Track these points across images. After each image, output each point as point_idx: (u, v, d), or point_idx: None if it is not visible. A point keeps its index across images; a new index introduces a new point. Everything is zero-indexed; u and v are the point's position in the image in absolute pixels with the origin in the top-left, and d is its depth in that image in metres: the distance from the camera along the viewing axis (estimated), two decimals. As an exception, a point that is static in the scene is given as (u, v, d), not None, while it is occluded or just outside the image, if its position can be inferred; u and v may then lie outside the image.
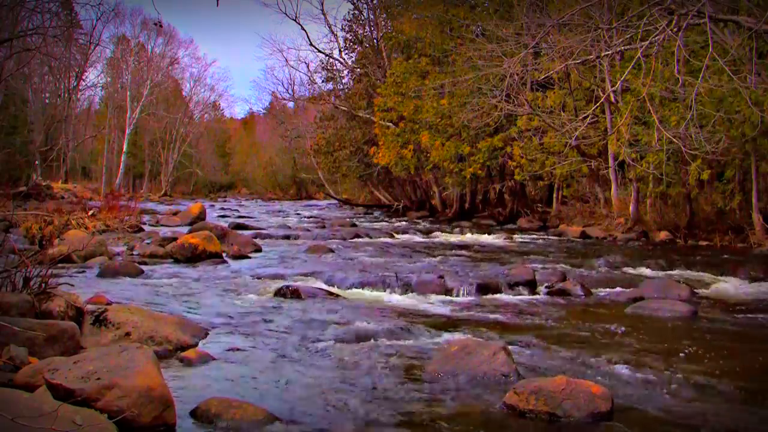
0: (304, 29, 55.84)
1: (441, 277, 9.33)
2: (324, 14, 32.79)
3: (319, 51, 33.57)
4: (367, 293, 8.92)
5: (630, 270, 11.22)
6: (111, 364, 3.88)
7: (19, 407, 3.31)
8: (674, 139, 10.21)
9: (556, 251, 14.46)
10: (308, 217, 26.51)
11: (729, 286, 9.85)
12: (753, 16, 9.34)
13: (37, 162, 36.13)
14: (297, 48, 76.20)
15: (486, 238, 17.44)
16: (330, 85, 35.30)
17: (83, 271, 9.87)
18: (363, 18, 32.56)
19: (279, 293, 8.38)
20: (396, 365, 5.37)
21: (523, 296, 8.90)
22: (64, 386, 3.72)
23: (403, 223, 24.19)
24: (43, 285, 5.78)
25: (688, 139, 11.57)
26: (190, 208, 21.90)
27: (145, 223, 19.04)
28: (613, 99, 16.92)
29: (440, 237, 18.00)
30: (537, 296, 8.95)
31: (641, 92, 11.10)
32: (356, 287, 9.16)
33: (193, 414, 4.06)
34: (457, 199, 27.29)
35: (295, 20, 32.74)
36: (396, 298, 8.61)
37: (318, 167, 37.89)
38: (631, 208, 17.85)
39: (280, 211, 32.00)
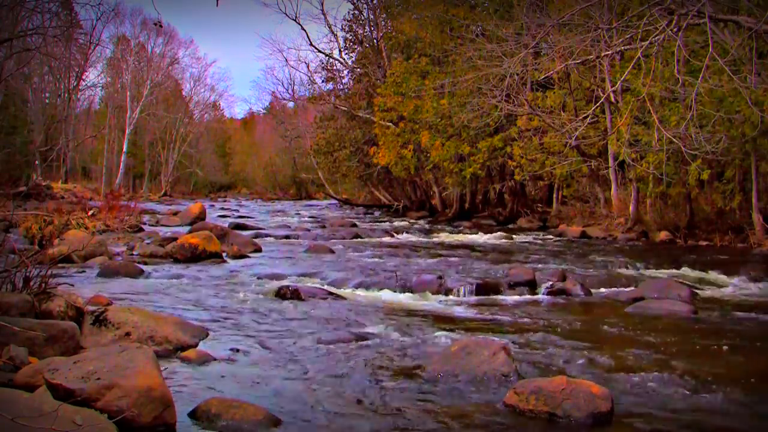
0: (304, 29, 55.77)
1: (441, 277, 9.32)
2: (324, 14, 32.83)
3: (319, 51, 33.63)
4: (367, 293, 8.92)
5: (630, 270, 11.21)
6: (111, 364, 3.88)
7: (19, 407, 3.31)
8: (674, 139, 10.20)
9: (556, 251, 14.45)
10: (308, 217, 26.51)
11: (729, 286, 9.84)
12: (753, 16, 9.34)
13: (37, 162, 36.09)
14: (297, 48, 76.22)
15: (486, 238, 17.43)
16: (330, 85, 35.37)
17: (83, 271, 9.87)
18: (363, 18, 32.58)
19: (279, 293, 8.38)
20: (396, 365, 5.37)
21: (523, 296, 8.89)
22: (64, 386, 3.72)
23: (403, 223, 24.19)
24: (43, 285, 5.78)
25: (688, 139, 11.56)
26: (190, 208, 21.89)
27: (145, 223, 19.05)
28: (613, 99, 16.92)
29: (440, 237, 17.99)
30: (537, 296, 8.94)
31: (641, 92, 11.09)
32: (356, 287, 9.16)
33: (193, 414, 4.06)
34: (457, 199, 27.27)
35: (295, 20, 32.79)
36: (396, 298, 8.61)
37: (318, 167, 37.86)
38: (631, 208, 17.84)
39: (280, 211, 31.99)
